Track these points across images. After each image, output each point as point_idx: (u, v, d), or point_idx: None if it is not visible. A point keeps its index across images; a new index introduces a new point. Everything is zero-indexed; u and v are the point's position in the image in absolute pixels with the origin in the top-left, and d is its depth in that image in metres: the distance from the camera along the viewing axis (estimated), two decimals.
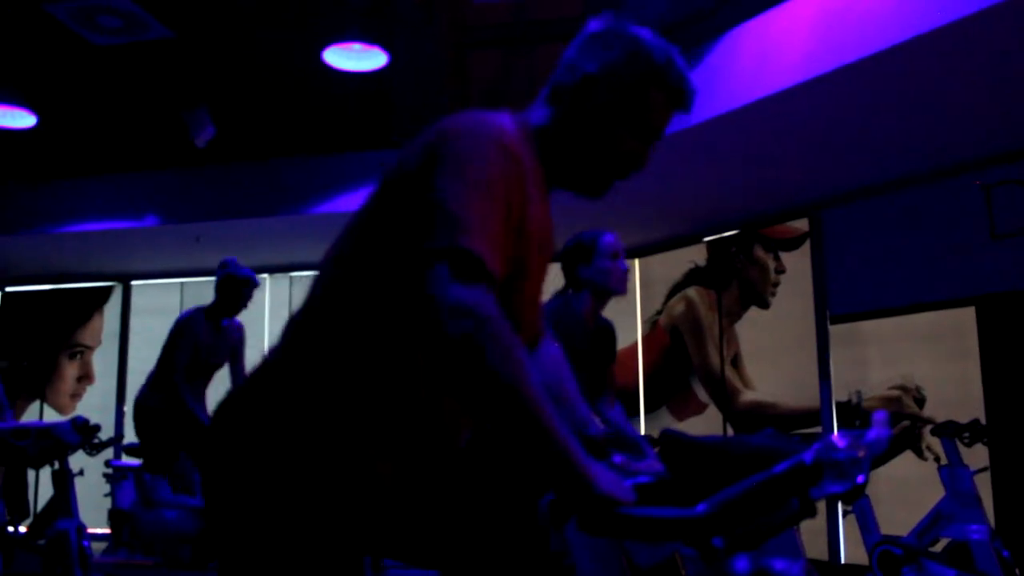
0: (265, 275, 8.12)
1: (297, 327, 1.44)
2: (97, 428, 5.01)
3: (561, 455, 1.19)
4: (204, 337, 4.90)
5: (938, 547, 4.59)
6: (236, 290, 4.88)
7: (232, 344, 5.07)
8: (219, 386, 5.14)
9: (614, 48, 1.46)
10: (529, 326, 1.50)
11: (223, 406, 1.44)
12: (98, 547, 5.61)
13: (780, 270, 6.57)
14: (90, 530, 4.68)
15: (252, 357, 5.10)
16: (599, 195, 1.53)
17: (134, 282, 8.68)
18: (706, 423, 6.91)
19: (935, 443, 5.10)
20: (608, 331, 3.53)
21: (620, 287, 3.28)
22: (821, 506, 5.39)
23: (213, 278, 5.00)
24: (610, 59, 1.45)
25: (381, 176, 1.44)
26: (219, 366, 5.08)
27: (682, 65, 1.49)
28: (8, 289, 8.90)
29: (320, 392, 1.36)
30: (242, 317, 5.11)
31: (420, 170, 1.34)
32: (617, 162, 1.49)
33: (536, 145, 1.46)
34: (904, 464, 5.50)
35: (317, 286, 1.45)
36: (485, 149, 1.32)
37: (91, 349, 8.69)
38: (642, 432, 7.20)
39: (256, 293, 5.03)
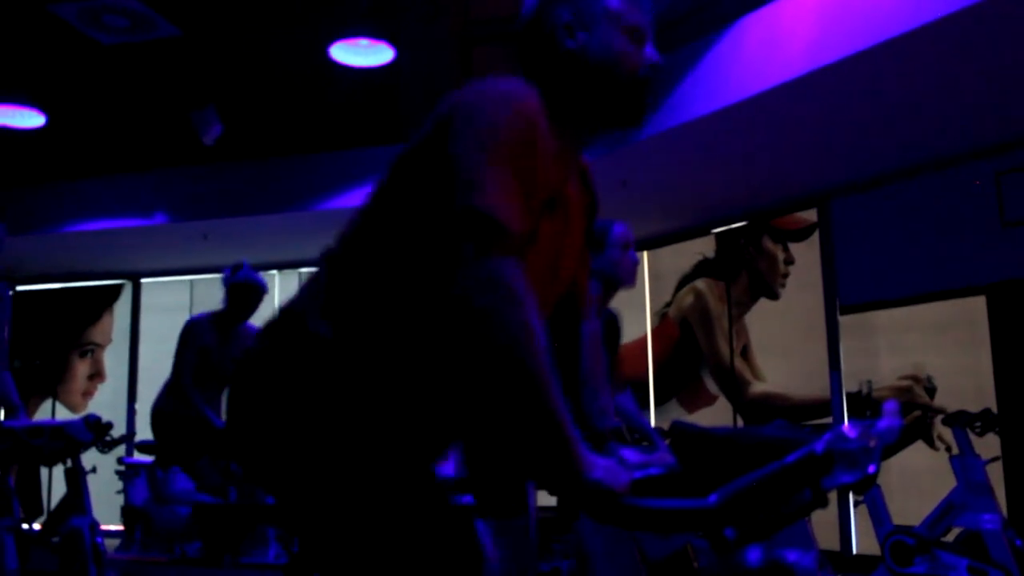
0: (274, 271, 8.14)
1: (335, 287, 1.44)
2: (109, 426, 5.03)
3: (557, 437, 1.20)
4: (212, 343, 4.86)
5: (950, 537, 4.58)
6: (245, 297, 4.83)
7: (242, 346, 5.04)
8: None
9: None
10: (543, 288, 1.49)
11: (260, 370, 1.44)
12: (111, 544, 5.65)
13: (789, 261, 6.55)
14: (103, 527, 4.70)
15: None
16: (639, 117, 1.52)
17: (144, 280, 8.72)
18: (716, 414, 6.90)
19: (946, 433, 5.09)
20: (612, 320, 3.53)
21: (629, 278, 3.28)
22: (832, 496, 5.39)
23: (222, 275, 4.96)
24: (569, 4, 1.49)
25: (395, 156, 1.46)
26: (229, 368, 5.06)
27: None
28: (19, 288, 8.95)
29: (357, 345, 1.38)
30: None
31: (435, 136, 1.37)
32: (635, 73, 1.50)
33: (551, 107, 1.46)
34: (915, 454, 5.49)
35: (350, 243, 1.46)
36: (494, 107, 1.34)
37: (102, 347, 8.73)
38: (652, 424, 7.19)
39: (266, 285, 5.00)
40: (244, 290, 4.81)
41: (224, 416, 1.56)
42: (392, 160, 1.46)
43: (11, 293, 4.83)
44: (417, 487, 1.38)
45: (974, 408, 4.68)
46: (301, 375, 1.38)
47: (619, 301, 3.49)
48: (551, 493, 1.34)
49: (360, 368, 1.37)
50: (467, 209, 1.25)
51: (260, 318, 5.03)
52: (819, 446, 1.13)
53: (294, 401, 1.37)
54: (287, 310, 1.48)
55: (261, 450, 1.41)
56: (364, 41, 5.58)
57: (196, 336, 4.81)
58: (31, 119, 6.48)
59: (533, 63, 1.53)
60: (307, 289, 1.49)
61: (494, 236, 1.24)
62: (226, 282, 4.85)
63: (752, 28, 4.72)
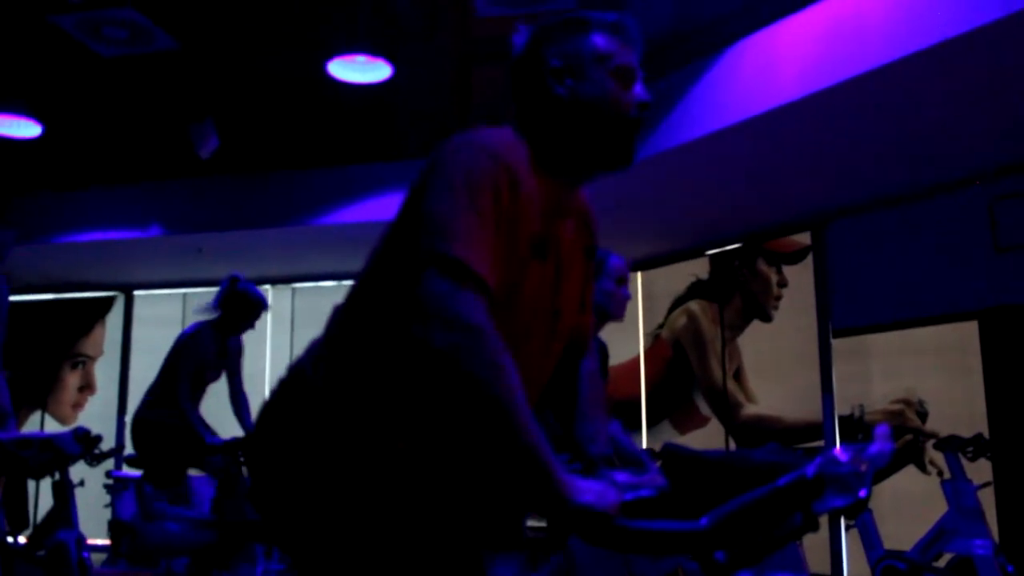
0: (267, 286, 8.12)
1: (330, 338, 1.49)
2: (98, 439, 4.99)
3: (537, 468, 1.21)
4: (210, 355, 4.82)
5: (941, 562, 4.56)
6: (246, 311, 4.76)
7: (230, 358, 5.01)
8: (211, 399, 5.10)
9: (551, 39, 1.52)
10: (541, 335, 1.50)
11: (268, 423, 1.48)
12: (98, 558, 5.60)
13: (783, 283, 6.56)
14: (90, 541, 4.66)
15: (254, 369, 5.11)
16: (629, 158, 1.53)
17: (137, 292, 8.69)
18: (708, 437, 6.89)
19: (938, 457, 5.09)
20: (601, 349, 3.52)
21: (619, 312, 3.28)
22: (824, 520, 5.38)
23: (215, 289, 4.92)
24: (557, 48, 1.50)
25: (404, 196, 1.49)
26: (215, 380, 5.03)
27: (598, 10, 1.55)
28: (11, 299, 8.90)
29: (362, 399, 1.41)
30: None
31: (419, 186, 1.39)
32: (626, 115, 1.50)
33: (538, 153, 1.47)
34: (907, 478, 5.48)
35: (349, 297, 1.51)
36: (472, 157, 1.36)
37: (93, 359, 8.69)
38: (644, 446, 7.18)
39: (266, 312, 4.97)
40: (245, 303, 4.76)
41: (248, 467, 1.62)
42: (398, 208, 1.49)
43: (8, 286, 4.80)
44: (417, 543, 1.41)
45: (966, 433, 4.69)
46: (301, 427, 1.42)
47: (611, 325, 3.48)
48: (542, 517, 1.33)
49: (351, 415, 1.40)
50: (433, 254, 1.26)
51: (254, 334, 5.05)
52: (810, 470, 1.13)
53: (298, 456, 1.41)
54: (294, 365, 1.52)
55: (275, 507, 1.46)
56: (362, 58, 5.60)
57: (197, 350, 4.75)
58: (27, 129, 6.48)
59: (524, 104, 1.54)
60: (313, 342, 1.54)
61: (459, 278, 1.25)
62: (224, 293, 4.78)
63: (748, 52, 4.75)
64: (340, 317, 1.49)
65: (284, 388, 1.49)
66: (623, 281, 3.26)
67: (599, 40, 1.50)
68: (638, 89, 1.51)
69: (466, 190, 1.31)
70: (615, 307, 3.26)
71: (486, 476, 1.45)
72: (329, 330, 1.50)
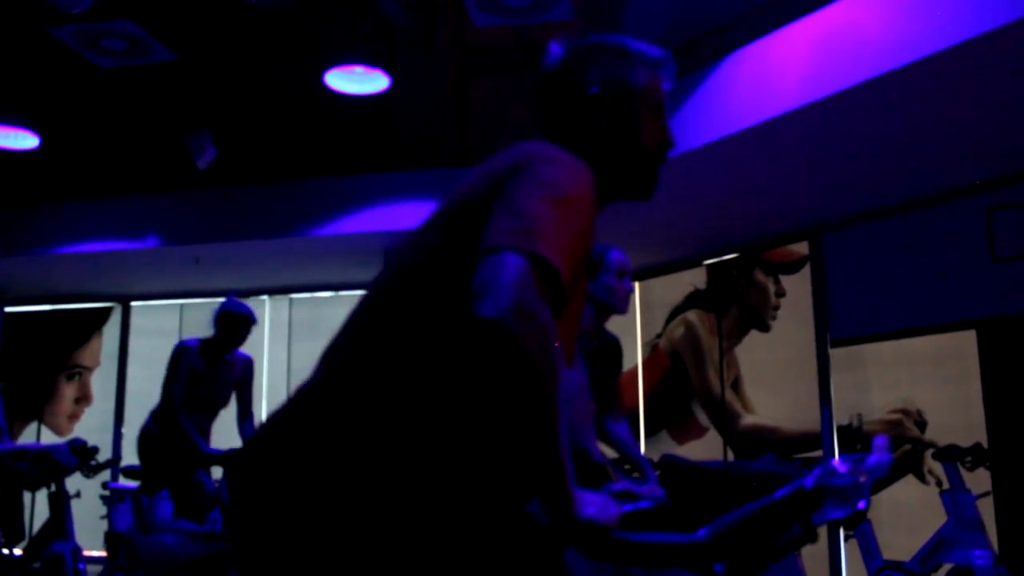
0: (264, 297, 8.12)
1: (346, 356, 1.36)
2: (95, 450, 4.99)
3: (558, 476, 1.20)
4: (200, 368, 4.87)
5: (941, 573, 4.55)
6: (233, 327, 4.86)
7: (237, 378, 5.03)
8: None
9: (593, 61, 1.50)
10: (565, 347, 1.49)
11: (264, 441, 1.34)
12: (94, 570, 5.57)
13: (780, 293, 6.56)
14: (86, 553, 4.65)
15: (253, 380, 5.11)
16: (650, 193, 1.54)
17: (134, 303, 8.68)
18: (706, 447, 6.88)
19: (937, 467, 5.08)
20: (614, 346, 3.51)
21: (622, 306, 3.28)
22: (823, 531, 5.36)
23: (212, 300, 4.98)
24: (599, 73, 1.49)
25: (441, 206, 1.41)
26: (224, 401, 5.03)
27: (643, 42, 1.54)
28: (8, 309, 8.90)
29: (386, 422, 1.27)
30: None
31: (493, 190, 1.31)
32: (653, 149, 1.52)
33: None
34: (906, 488, 5.47)
35: (367, 314, 1.38)
36: (567, 170, 1.33)
37: (90, 370, 8.67)
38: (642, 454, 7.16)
39: (256, 315, 5.01)
40: (231, 319, 4.83)
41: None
42: (437, 213, 1.40)
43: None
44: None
45: (965, 443, 4.68)
46: (322, 444, 1.27)
47: (610, 329, 3.48)
48: (543, 522, 1.33)
49: (379, 431, 1.26)
50: (516, 244, 1.19)
51: (249, 340, 5.05)
52: (809, 481, 1.12)
53: (310, 475, 1.25)
54: (304, 385, 1.38)
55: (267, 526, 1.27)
56: (359, 68, 5.62)
57: (185, 360, 4.82)
58: (25, 140, 6.48)
59: (559, 126, 1.51)
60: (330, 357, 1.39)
61: (545, 279, 1.20)
62: (215, 313, 4.89)
63: (745, 61, 4.76)
64: (365, 328, 1.36)
65: (299, 406, 1.34)
66: (624, 274, 3.26)
67: (643, 75, 1.50)
68: (666, 128, 1.52)
69: (563, 202, 1.27)
70: (618, 301, 3.26)
71: (502, 495, 1.38)
72: (352, 342, 1.36)
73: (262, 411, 7.20)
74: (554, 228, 1.24)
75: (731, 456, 6.74)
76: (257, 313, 5.05)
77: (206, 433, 5.00)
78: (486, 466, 1.32)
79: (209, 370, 4.89)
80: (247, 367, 5.06)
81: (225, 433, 5.18)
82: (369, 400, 1.27)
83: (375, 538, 1.22)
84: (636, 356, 7.54)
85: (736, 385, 6.78)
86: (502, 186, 1.30)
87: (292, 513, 1.23)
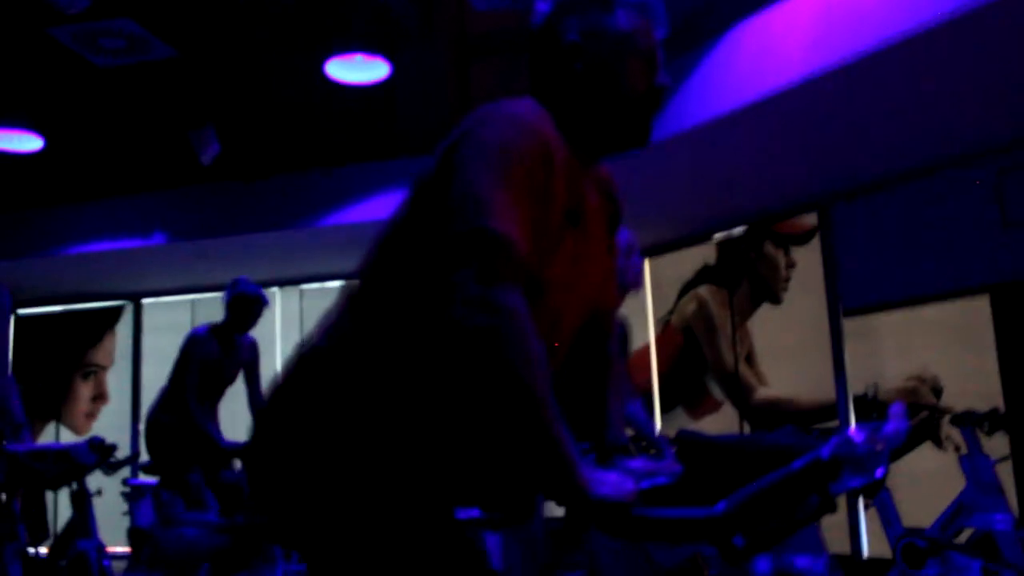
0: (275, 289, 8.14)
1: (337, 325, 1.44)
2: (113, 448, 5.02)
3: (558, 461, 1.21)
4: (214, 355, 4.89)
5: (962, 538, 4.55)
6: (246, 309, 4.87)
7: (245, 361, 5.05)
8: (230, 402, 5.13)
9: (573, 11, 1.48)
10: (568, 305, 1.48)
11: (270, 415, 1.44)
12: (118, 566, 5.62)
13: (791, 265, 6.54)
14: (110, 549, 4.69)
15: (264, 372, 5.12)
16: (644, 139, 1.52)
17: (145, 300, 8.71)
18: (722, 421, 6.88)
19: (954, 433, 5.07)
20: (622, 326, 3.51)
21: (636, 282, 3.26)
22: (841, 501, 5.35)
23: (224, 294, 4.99)
24: (579, 21, 1.47)
25: (412, 181, 1.45)
26: (230, 382, 5.07)
27: None
28: (21, 312, 8.94)
29: (374, 384, 1.36)
30: (253, 331, 5.11)
31: (444, 164, 1.34)
32: (640, 95, 1.49)
33: (559, 124, 1.44)
34: (924, 455, 5.46)
35: (356, 287, 1.45)
36: (505, 130, 1.32)
37: (104, 368, 8.72)
38: (658, 432, 7.17)
39: (267, 307, 5.03)
40: (244, 301, 4.84)
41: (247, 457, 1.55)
42: (409, 189, 1.44)
43: (11, 297, 4.86)
44: (429, 529, 1.36)
45: (981, 408, 4.67)
46: (315, 417, 1.37)
47: (621, 309, 3.47)
48: (559, 504, 1.34)
49: (362, 393, 1.36)
50: (475, 230, 1.23)
51: (261, 331, 5.06)
52: (825, 451, 1.12)
53: (310, 446, 1.36)
54: (301, 345, 1.47)
55: (284, 501, 1.39)
56: (360, 57, 5.59)
57: (198, 349, 4.84)
58: (29, 143, 6.49)
59: (542, 78, 1.51)
60: (322, 321, 1.48)
61: (500, 257, 1.22)
62: (227, 295, 4.89)
63: (747, 34, 4.73)
64: (352, 304, 1.43)
65: (295, 377, 1.43)
66: (631, 251, 3.25)
67: (622, 18, 1.48)
68: (659, 73, 1.49)
69: (501, 164, 1.28)
70: (630, 278, 3.24)
71: (502, 461, 1.43)
72: (340, 318, 1.43)
73: None
74: (499, 194, 1.25)
75: (747, 430, 6.74)
76: (268, 305, 5.07)
77: (215, 417, 5.03)
78: (461, 448, 1.38)
79: (222, 355, 4.92)
80: (254, 349, 5.09)
81: (228, 420, 5.17)
82: (362, 376, 1.36)
83: (360, 507, 1.32)
84: (648, 333, 7.53)
85: (750, 359, 6.77)
86: (450, 160, 1.33)
87: (304, 482, 1.35)
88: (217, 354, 4.90)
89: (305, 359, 1.43)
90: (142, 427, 5.10)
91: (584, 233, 1.46)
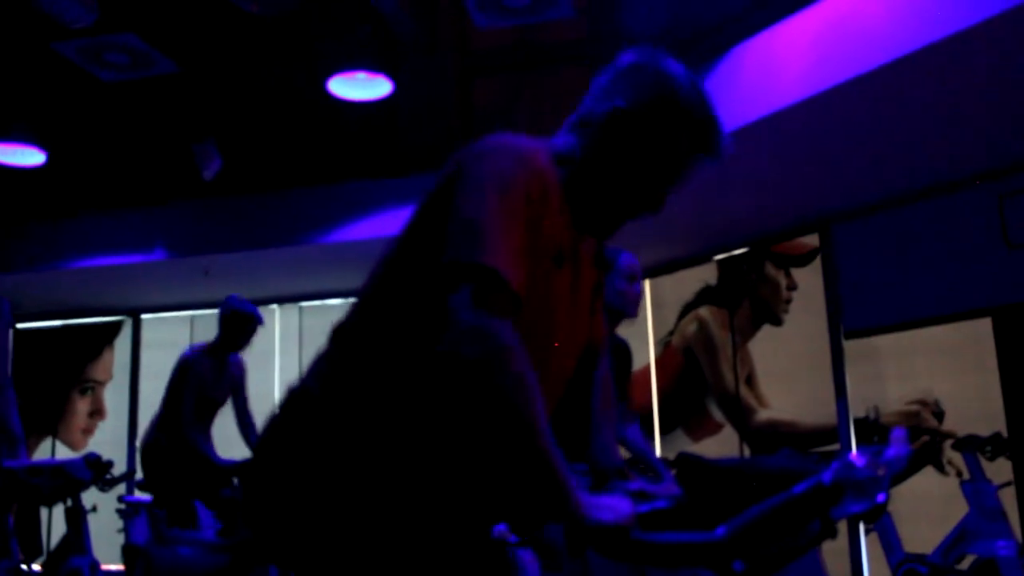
0: (274, 306, 8.12)
1: (337, 354, 1.44)
2: (110, 464, 5.00)
3: (555, 487, 1.22)
4: (207, 375, 4.87)
5: (964, 564, 4.51)
6: (240, 327, 4.85)
7: (233, 379, 5.03)
8: (219, 418, 5.09)
9: (646, 84, 1.44)
10: (554, 341, 1.47)
11: (269, 442, 1.44)
12: None
13: (792, 286, 6.52)
14: (104, 566, 4.66)
15: (263, 389, 5.11)
16: (606, 236, 1.53)
17: (144, 316, 8.70)
18: (722, 443, 6.84)
19: (956, 458, 5.03)
20: (623, 349, 3.50)
21: (632, 310, 3.26)
22: (843, 526, 5.31)
23: (217, 313, 4.97)
24: (641, 95, 1.44)
25: (415, 207, 1.45)
26: (222, 403, 5.04)
27: (712, 109, 1.48)
28: (19, 326, 8.93)
29: (369, 413, 1.36)
30: (252, 349, 5.09)
31: (442, 192, 1.35)
32: (634, 201, 1.48)
33: (559, 169, 1.44)
34: (926, 480, 5.42)
35: (354, 311, 1.46)
36: (504, 163, 1.33)
37: (102, 384, 8.69)
38: (658, 454, 7.14)
39: (266, 324, 5.01)
40: (238, 320, 4.82)
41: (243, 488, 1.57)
42: (411, 214, 1.44)
43: (10, 309, 4.86)
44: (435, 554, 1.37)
45: (984, 432, 4.64)
46: (309, 443, 1.38)
47: (621, 330, 3.46)
48: (559, 524, 1.33)
49: (360, 430, 1.36)
50: (464, 263, 1.24)
51: (260, 348, 5.04)
52: (827, 476, 1.11)
53: (304, 472, 1.37)
54: (297, 384, 1.47)
55: (277, 524, 1.39)
56: (362, 74, 5.60)
57: (192, 372, 4.80)
58: (31, 157, 6.51)
59: (575, 119, 1.49)
60: (314, 359, 1.49)
61: (492, 290, 1.23)
62: (220, 314, 4.88)
63: (748, 55, 4.74)
64: (347, 332, 1.44)
65: (289, 407, 1.45)
66: (635, 278, 3.24)
67: (683, 142, 1.45)
68: (663, 195, 1.49)
69: (497, 195, 1.29)
70: (629, 305, 3.24)
71: (499, 490, 1.43)
72: (334, 346, 1.45)
73: None
74: (494, 228, 1.26)
75: (747, 452, 6.70)
76: (267, 322, 5.05)
77: (209, 437, 5.00)
78: (462, 474, 1.38)
79: (215, 374, 4.89)
80: (240, 367, 5.07)
81: (219, 436, 5.13)
82: (354, 405, 1.37)
83: (362, 529, 1.33)
84: (649, 354, 7.51)
85: (750, 380, 6.75)
86: (450, 189, 1.33)
87: (301, 510, 1.35)
88: (211, 372, 4.87)
89: (299, 393, 1.45)
90: (138, 450, 5.05)
91: (572, 274, 1.46)
